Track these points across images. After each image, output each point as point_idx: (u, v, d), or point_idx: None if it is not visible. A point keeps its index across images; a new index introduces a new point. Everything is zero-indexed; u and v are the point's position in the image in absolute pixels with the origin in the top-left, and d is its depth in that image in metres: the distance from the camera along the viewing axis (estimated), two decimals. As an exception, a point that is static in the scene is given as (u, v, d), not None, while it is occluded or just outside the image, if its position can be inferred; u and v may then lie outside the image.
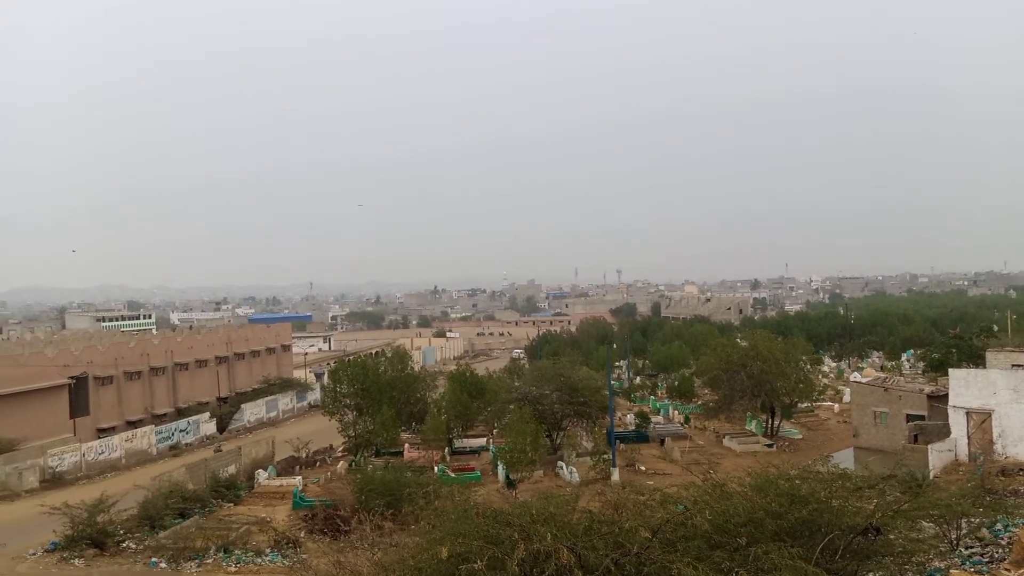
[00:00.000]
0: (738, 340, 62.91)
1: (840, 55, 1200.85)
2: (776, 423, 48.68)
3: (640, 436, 47.09)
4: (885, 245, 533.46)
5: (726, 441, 45.95)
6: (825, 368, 78.48)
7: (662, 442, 45.67)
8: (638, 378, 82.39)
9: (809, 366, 54.78)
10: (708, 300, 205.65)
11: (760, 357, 46.89)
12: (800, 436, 48.57)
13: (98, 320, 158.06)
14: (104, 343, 61.57)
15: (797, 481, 14.70)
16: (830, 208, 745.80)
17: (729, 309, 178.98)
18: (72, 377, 53.40)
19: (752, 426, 49.73)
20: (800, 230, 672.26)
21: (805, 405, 53.35)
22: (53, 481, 42.68)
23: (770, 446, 43.98)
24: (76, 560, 26.47)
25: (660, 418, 54.85)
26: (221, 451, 47.98)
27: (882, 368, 76.40)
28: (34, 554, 27.35)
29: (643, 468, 39.01)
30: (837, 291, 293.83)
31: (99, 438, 51.67)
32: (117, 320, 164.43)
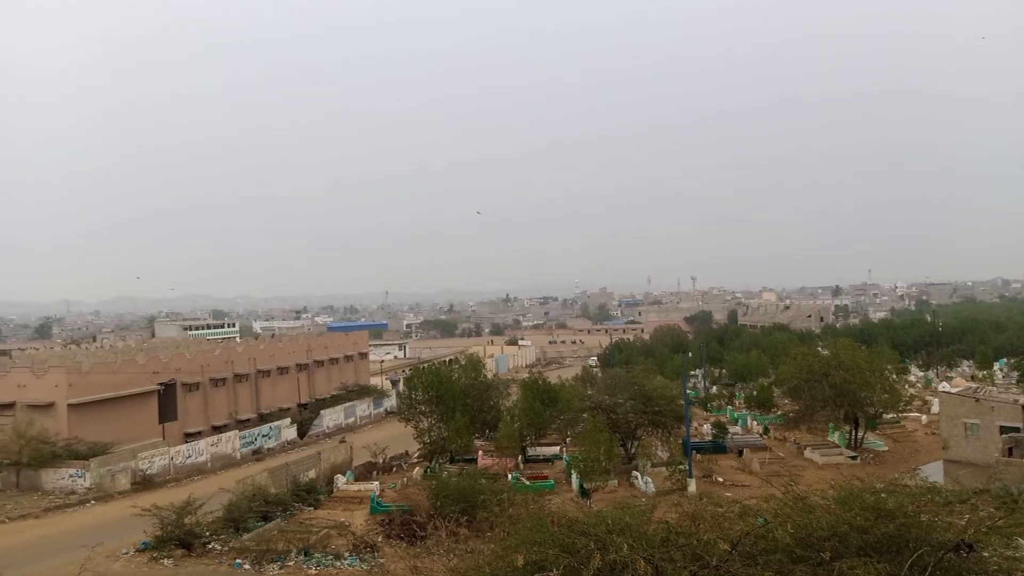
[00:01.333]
0: (819, 349, 61.29)
1: (929, 55, 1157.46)
2: (860, 434, 47.10)
3: (717, 447, 46.23)
4: (974, 249, 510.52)
5: (807, 453, 44.69)
6: (912, 378, 75.65)
7: (740, 453, 44.73)
8: (714, 387, 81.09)
9: (895, 376, 52.91)
10: (787, 307, 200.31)
11: (843, 366, 45.49)
12: (885, 448, 46.89)
13: (185, 329, 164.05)
14: (191, 351, 63.87)
15: (883, 495, 14.23)
16: (915, 211, 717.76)
17: (809, 317, 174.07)
18: (161, 383, 55.60)
19: (835, 437, 48.25)
20: (884, 234, 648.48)
21: (891, 416, 51.49)
22: (143, 483, 44.51)
23: (854, 458, 42.57)
24: (165, 560, 27.47)
25: (738, 428, 53.75)
26: (345, 441, 49.76)
27: (973, 377, 73.07)
28: (127, 553, 28.51)
29: (720, 479, 38.25)
30: (924, 297, 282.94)
31: (186, 442, 53.63)
32: (203, 329, 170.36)
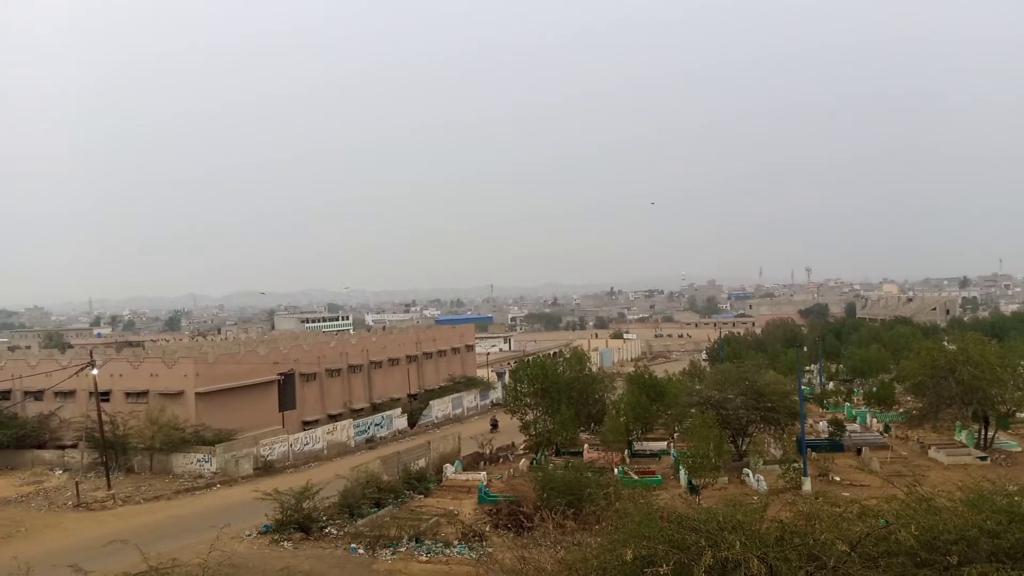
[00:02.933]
0: (945, 343, 58.07)
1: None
2: (990, 434, 44.27)
3: (834, 445, 44.51)
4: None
5: (932, 452, 42.40)
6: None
7: (859, 452, 42.90)
8: (831, 383, 78.31)
9: (1030, 372, 49.32)
10: (910, 300, 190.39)
11: (971, 362, 42.83)
12: (1018, 449, 43.89)
13: (302, 321, 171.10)
14: (308, 343, 66.53)
15: (1017, 497, 13.39)
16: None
17: (934, 309, 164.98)
18: (281, 374, 58.19)
19: (962, 436, 45.59)
20: (1018, 223, 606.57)
21: (1025, 415, 48.18)
22: (265, 469, 46.74)
23: (983, 459, 40.07)
24: (285, 543, 28.74)
25: (856, 426, 51.64)
26: (496, 427, 52.82)
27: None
28: (250, 535, 30.01)
29: (837, 478, 36.78)
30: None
31: (304, 430, 55.97)
32: (319, 321, 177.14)
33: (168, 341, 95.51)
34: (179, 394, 50.38)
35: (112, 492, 40.04)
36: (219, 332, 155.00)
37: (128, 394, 51.42)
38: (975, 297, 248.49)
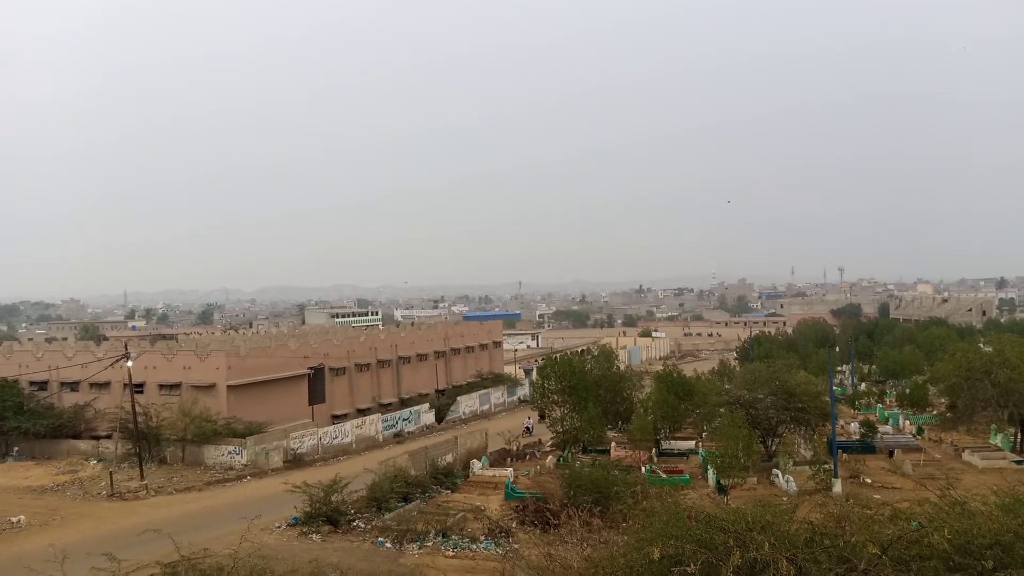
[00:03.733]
0: (981, 345, 57.05)
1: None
2: (1028, 438, 43.44)
3: (865, 446, 43.98)
4: None
5: (966, 455, 41.66)
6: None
7: (891, 454, 42.36)
8: (863, 384, 77.26)
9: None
10: (945, 300, 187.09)
11: (1008, 364, 42.03)
12: (1058, 454, 42.97)
13: (332, 316, 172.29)
14: (338, 337, 67.06)
15: (1055, 503, 13.09)
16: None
17: (970, 310, 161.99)
18: (311, 368, 58.74)
19: (997, 440, 44.75)
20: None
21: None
22: (294, 462, 47.23)
23: (1019, 463, 39.28)
24: (314, 535, 29.02)
25: (888, 428, 50.91)
26: (531, 431, 52.77)
27: None
28: (279, 527, 30.36)
29: (869, 481, 36.32)
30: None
31: (333, 424, 56.45)
32: (348, 316, 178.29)
33: (201, 334, 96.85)
34: (211, 387, 51.07)
35: (145, 482, 40.74)
36: (251, 326, 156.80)
37: (161, 386, 52.24)
38: (1012, 298, 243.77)
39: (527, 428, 57.14)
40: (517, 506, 31.76)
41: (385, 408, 64.33)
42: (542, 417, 47.87)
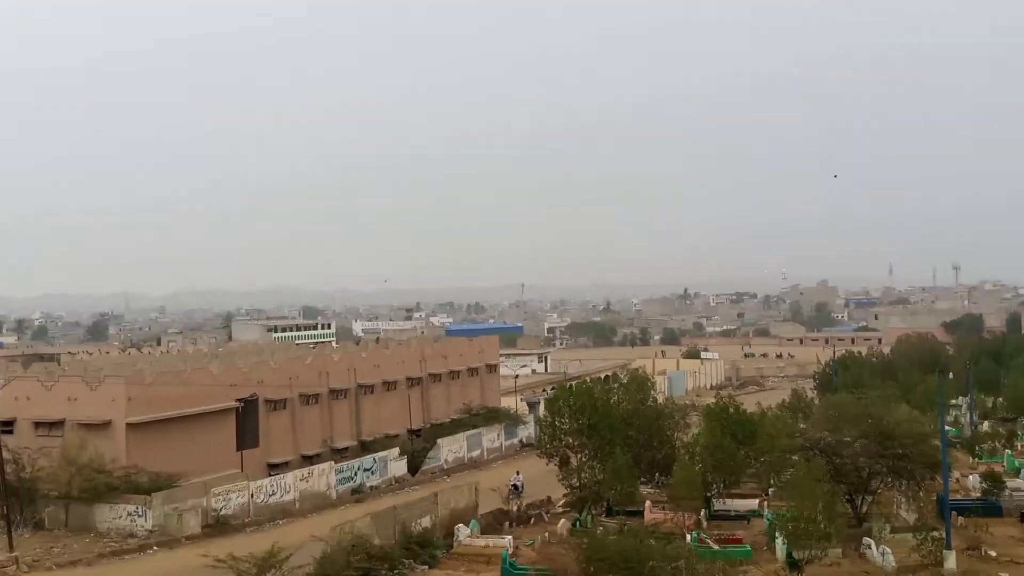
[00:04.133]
0: None
1: None
2: None
3: (990, 507, 44.06)
4: None
5: (1125, 520, 41.74)
6: None
7: (1022, 517, 42.41)
8: (986, 423, 77.37)
9: None
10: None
11: None
12: None
13: (269, 330, 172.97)
14: (276, 359, 66.82)
15: None
16: None
17: None
18: (240, 400, 58.35)
19: None
20: None
21: None
22: (217, 526, 47.15)
23: None
24: (243, 625, 29.00)
25: (1020, 482, 50.97)
26: (520, 489, 50.42)
27: None
28: (196, 615, 30.36)
29: (993, 554, 36.46)
30: None
31: (270, 475, 56.29)
32: (291, 330, 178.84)
33: (91, 354, 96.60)
34: (105, 425, 50.81)
35: (15, 555, 40.54)
36: (159, 343, 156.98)
37: (38, 424, 51.99)
38: None
39: (515, 486, 54.61)
40: (518, 588, 31.74)
41: (340, 454, 64.21)
42: (560, 464, 47.41)
